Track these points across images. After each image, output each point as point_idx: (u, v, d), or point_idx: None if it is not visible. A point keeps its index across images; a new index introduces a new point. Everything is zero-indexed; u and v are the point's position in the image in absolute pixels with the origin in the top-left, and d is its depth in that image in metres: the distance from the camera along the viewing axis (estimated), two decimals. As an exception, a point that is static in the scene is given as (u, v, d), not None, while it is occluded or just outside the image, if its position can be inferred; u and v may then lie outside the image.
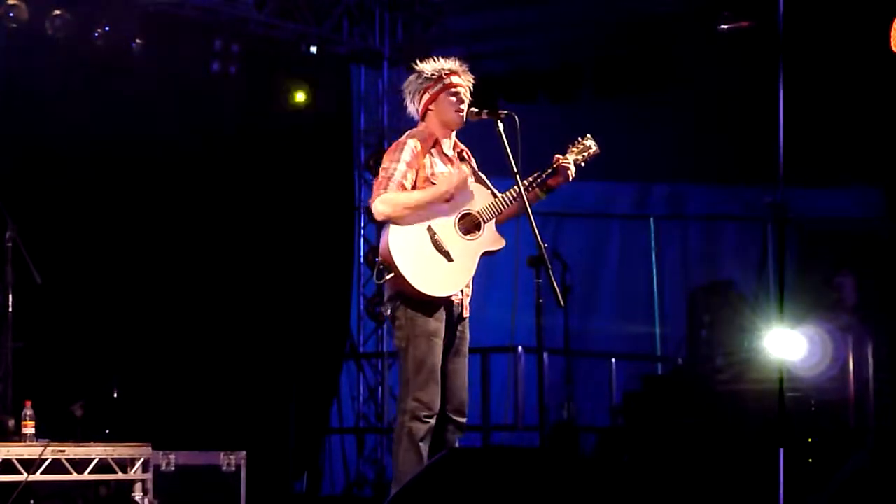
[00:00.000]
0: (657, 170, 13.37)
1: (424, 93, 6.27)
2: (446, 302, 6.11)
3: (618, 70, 12.08)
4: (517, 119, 6.07)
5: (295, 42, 11.95)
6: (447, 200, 6.14)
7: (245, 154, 11.59)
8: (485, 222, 6.17)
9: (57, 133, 10.40)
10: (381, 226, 6.14)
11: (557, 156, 6.32)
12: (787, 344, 8.65)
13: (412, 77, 6.34)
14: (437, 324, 6.05)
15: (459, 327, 6.20)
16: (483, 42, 12.24)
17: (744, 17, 9.91)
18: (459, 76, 6.28)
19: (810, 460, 9.07)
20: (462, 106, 6.24)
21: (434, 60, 6.30)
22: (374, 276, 6.16)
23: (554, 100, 12.28)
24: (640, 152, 12.58)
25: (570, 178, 6.30)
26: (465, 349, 6.24)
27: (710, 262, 13.66)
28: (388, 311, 6.17)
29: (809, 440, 9.20)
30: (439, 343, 6.05)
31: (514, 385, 11.26)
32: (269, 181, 11.79)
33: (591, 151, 6.39)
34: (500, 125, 6.09)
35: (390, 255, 5.98)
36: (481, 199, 6.22)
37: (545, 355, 9.03)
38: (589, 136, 6.43)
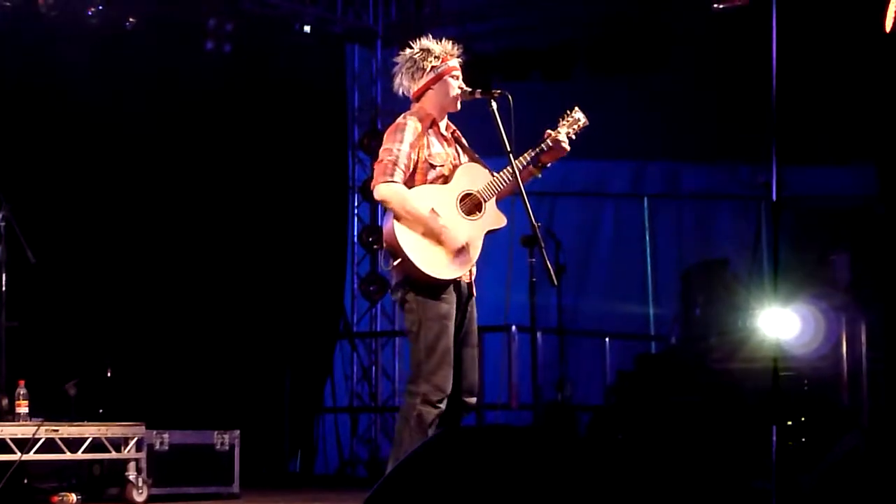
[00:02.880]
0: (651, 149, 13.36)
1: (430, 71, 6.12)
2: (455, 283, 6.07)
3: (612, 48, 12.05)
4: (510, 98, 6.02)
5: (289, 21, 11.91)
6: (444, 181, 6.11)
7: (239, 133, 11.58)
8: (485, 202, 6.13)
9: (51, 112, 10.39)
10: (377, 208, 6.07)
11: (549, 131, 6.27)
12: (780, 323, 8.66)
13: (415, 52, 6.16)
14: (448, 306, 5.99)
15: (468, 307, 6.15)
16: (477, 21, 12.22)
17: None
18: (456, 59, 6.19)
19: (803, 439, 9.09)
20: (459, 90, 6.18)
21: (429, 40, 6.17)
22: (382, 263, 6.08)
23: (548, 78, 12.25)
24: (634, 131, 12.57)
25: (566, 152, 6.25)
26: (475, 328, 6.19)
27: (704, 240, 13.65)
28: (398, 296, 6.08)
29: (803, 419, 9.21)
30: (451, 325, 5.99)
31: (508, 364, 11.25)
32: (264, 160, 11.78)
33: (580, 124, 6.31)
34: (494, 104, 6.03)
35: (396, 242, 5.91)
36: (480, 178, 6.18)
37: (539, 334, 9.04)
38: (577, 108, 6.37)
